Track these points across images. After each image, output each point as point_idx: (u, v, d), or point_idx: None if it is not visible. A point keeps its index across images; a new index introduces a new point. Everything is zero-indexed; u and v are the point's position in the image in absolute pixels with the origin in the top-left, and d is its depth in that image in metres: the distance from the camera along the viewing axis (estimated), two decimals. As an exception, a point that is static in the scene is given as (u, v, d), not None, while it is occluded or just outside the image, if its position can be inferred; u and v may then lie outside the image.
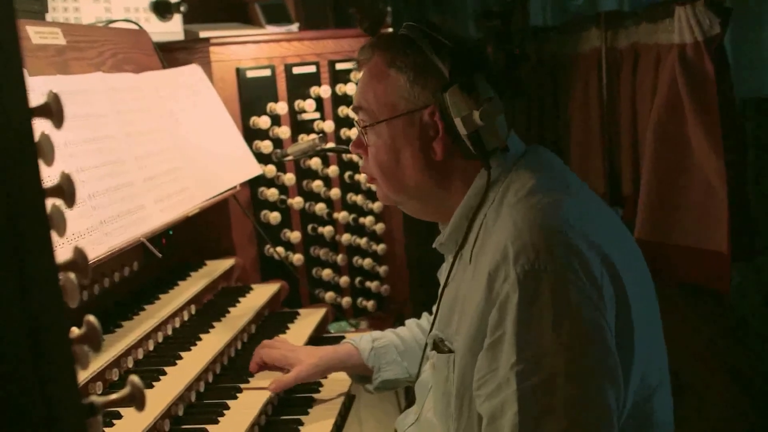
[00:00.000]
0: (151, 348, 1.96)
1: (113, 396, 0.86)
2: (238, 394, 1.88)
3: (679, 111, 2.71)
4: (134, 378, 0.87)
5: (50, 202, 0.77)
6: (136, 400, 0.86)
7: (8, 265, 0.68)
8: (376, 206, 2.98)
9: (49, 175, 0.83)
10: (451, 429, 1.51)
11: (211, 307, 2.31)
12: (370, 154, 1.59)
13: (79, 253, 0.82)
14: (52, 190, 0.79)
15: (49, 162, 0.76)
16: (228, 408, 1.81)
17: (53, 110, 0.77)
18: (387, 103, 1.54)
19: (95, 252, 1.76)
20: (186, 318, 2.18)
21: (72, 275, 0.80)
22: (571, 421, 1.29)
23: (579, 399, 1.29)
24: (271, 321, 2.40)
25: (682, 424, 1.55)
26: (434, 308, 1.63)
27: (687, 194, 2.71)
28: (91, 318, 0.82)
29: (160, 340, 2.01)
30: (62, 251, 0.83)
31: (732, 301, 2.60)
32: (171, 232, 2.47)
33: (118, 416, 1.61)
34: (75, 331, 0.80)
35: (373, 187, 2.90)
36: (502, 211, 1.43)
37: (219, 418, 1.76)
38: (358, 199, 2.93)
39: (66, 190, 0.80)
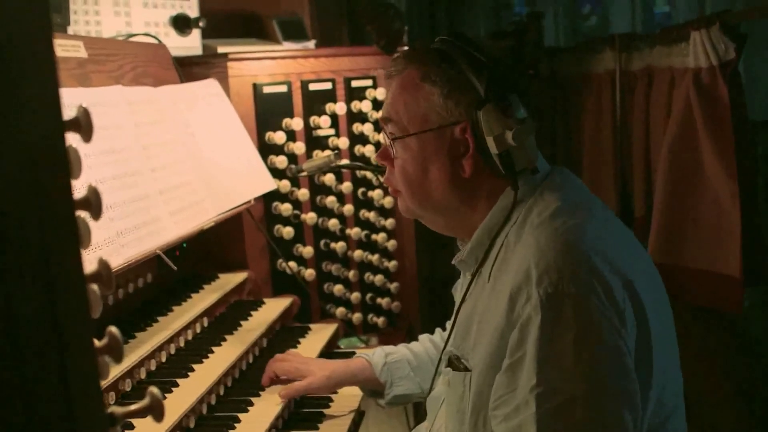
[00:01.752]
0: (163, 359, 1.98)
1: (133, 407, 0.87)
2: (249, 408, 1.89)
3: (693, 134, 2.72)
4: (153, 389, 0.88)
5: (77, 214, 0.78)
6: (155, 411, 0.87)
7: (38, 277, 0.70)
8: (389, 223, 2.99)
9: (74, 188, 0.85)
10: (465, 448, 1.52)
11: (224, 320, 2.33)
12: (396, 166, 1.58)
13: (104, 265, 0.84)
14: (79, 203, 0.80)
15: (77, 175, 0.78)
16: (239, 421, 1.82)
17: (82, 124, 0.78)
18: (418, 116, 1.53)
19: (112, 263, 1.77)
20: (198, 330, 2.20)
21: (96, 286, 0.82)
22: None
23: (598, 423, 1.30)
24: (283, 335, 2.42)
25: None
26: (449, 324, 1.64)
27: (700, 217, 2.71)
28: (114, 329, 0.83)
29: (173, 351, 2.03)
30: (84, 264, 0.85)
31: (743, 324, 2.60)
32: (185, 245, 2.49)
33: (131, 426, 1.62)
34: (96, 342, 0.82)
35: (386, 203, 2.94)
36: (525, 232, 1.44)
37: (230, 431, 1.76)
38: (371, 215, 2.94)
39: (93, 202, 0.81)
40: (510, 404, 1.34)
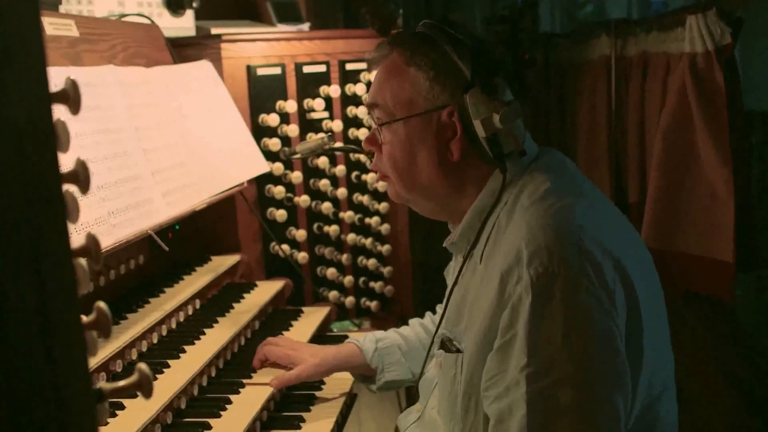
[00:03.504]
0: (155, 341, 1.97)
1: (121, 383, 0.86)
2: (240, 390, 1.89)
3: (688, 120, 2.71)
4: (142, 365, 0.88)
5: (65, 188, 0.77)
6: (143, 388, 0.87)
7: (24, 250, 0.69)
8: (382, 207, 2.98)
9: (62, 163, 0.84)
10: (456, 429, 1.51)
11: (216, 302, 2.32)
12: (384, 151, 1.58)
13: (92, 239, 0.83)
14: (67, 176, 0.79)
15: (65, 148, 0.77)
16: (230, 402, 1.82)
17: (71, 96, 0.78)
18: (404, 101, 1.53)
19: (103, 243, 1.77)
20: (190, 312, 2.19)
21: (84, 261, 0.81)
22: (580, 424, 1.30)
23: (588, 403, 1.30)
24: (275, 318, 2.41)
25: (683, 432, 1.56)
26: (441, 307, 1.63)
27: (693, 203, 2.71)
28: (102, 304, 0.82)
29: (164, 333, 2.02)
30: (73, 239, 0.84)
31: (735, 313, 2.60)
32: (177, 227, 2.48)
33: (121, 407, 1.62)
34: (84, 318, 0.81)
35: (380, 187, 2.93)
36: (516, 214, 1.43)
37: (221, 413, 1.76)
38: (365, 199, 2.94)
39: (81, 176, 0.80)
40: (501, 384, 1.34)
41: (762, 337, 2.58)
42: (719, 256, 2.55)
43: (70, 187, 0.80)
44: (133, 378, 0.88)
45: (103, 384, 0.84)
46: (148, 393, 0.87)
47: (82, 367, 0.77)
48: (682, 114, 2.73)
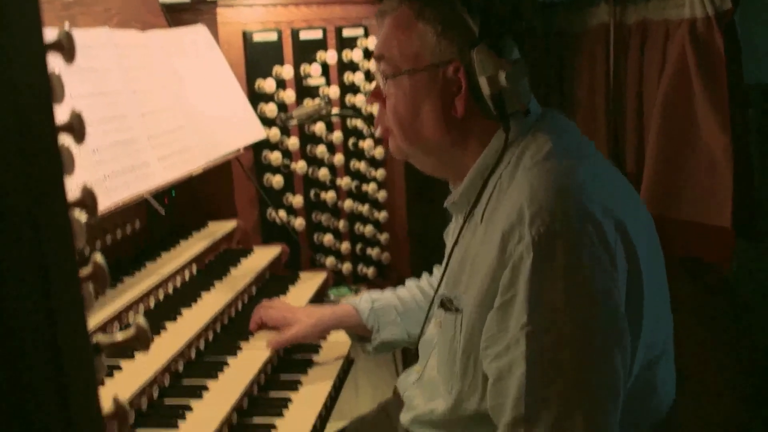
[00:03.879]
0: (152, 305, 1.97)
1: (119, 337, 0.86)
2: (238, 352, 1.89)
3: (687, 86, 2.70)
4: (140, 320, 0.88)
5: (60, 140, 0.77)
6: (141, 342, 0.87)
7: (18, 201, 0.68)
8: (379, 174, 2.97)
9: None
10: (455, 388, 1.52)
11: (213, 267, 2.32)
12: (388, 104, 1.57)
13: (88, 193, 0.82)
14: (62, 127, 0.79)
15: (59, 99, 0.76)
16: (228, 365, 1.82)
17: (65, 46, 0.77)
18: (411, 54, 1.51)
19: (98, 206, 1.76)
20: (187, 277, 2.19)
21: (80, 213, 0.80)
22: (579, 384, 1.30)
23: (587, 362, 1.30)
24: (272, 283, 2.41)
25: (679, 398, 1.57)
26: (436, 268, 1.64)
27: (692, 169, 2.70)
28: (98, 257, 0.82)
29: (161, 297, 2.02)
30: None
31: (732, 279, 2.60)
32: (173, 194, 2.48)
33: (119, 368, 1.63)
34: (82, 271, 0.81)
35: (377, 154, 2.92)
36: (518, 174, 1.43)
37: (219, 374, 1.77)
38: (362, 166, 2.93)
39: (76, 127, 0.80)
40: (501, 343, 1.34)
41: (758, 304, 2.59)
42: (717, 223, 2.55)
43: (65, 139, 0.80)
44: (131, 332, 0.88)
45: (100, 337, 0.84)
46: (145, 347, 0.86)
47: (79, 320, 0.77)
48: (682, 80, 2.72)
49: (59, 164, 0.76)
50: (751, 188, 2.71)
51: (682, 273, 1.56)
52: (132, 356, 1.67)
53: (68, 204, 0.78)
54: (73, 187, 0.78)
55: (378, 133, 1.63)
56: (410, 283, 2.05)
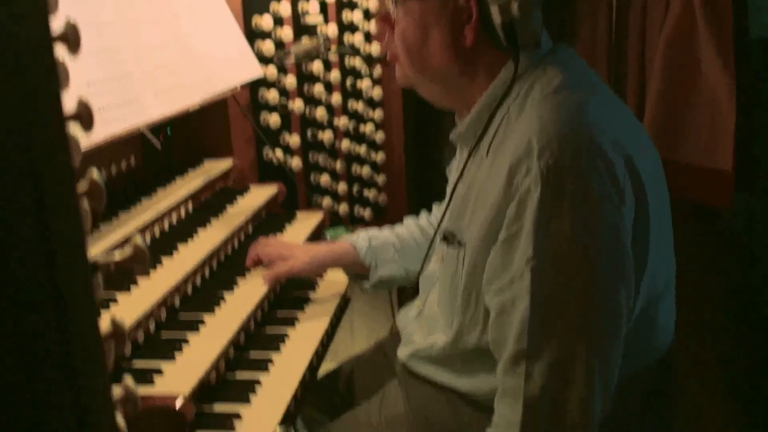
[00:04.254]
0: (147, 240, 1.96)
1: (116, 256, 0.85)
2: (234, 288, 1.88)
3: (692, 28, 2.65)
4: (137, 239, 0.86)
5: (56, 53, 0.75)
6: (139, 262, 0.85)
7: (15, 111, 0.66)
8: (377, 115, 2.94)
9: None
10: (456, 322, 1.52)
11: (209, 204, 2.30)
12: (396, 30, 1.54)
13: (83, 106, 0.80)
14: (57, 37, 0.77)
15: (54, 9, 0.74)
16: (224, 300, 1.81)
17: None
18: None
19: (93, 139, 1.74)
20: (183, 213, 2.17)
21: (75, 126, 0.78)
22: (582, 319, 1.30)
23: (592, 297, 1.30)
24: (269, 222, 2.39)
25: (676, 337, 1.57)
26: (444, 202, 1.62)
27: (694, 113, 2.67)
28: (94, 172, 0.80)
29: (157, 232, 2.01)
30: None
31: (733, 228, 2.60)
32: (169, 132, 2.44)
33: (115, 301, 1.62)
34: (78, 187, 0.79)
35: (375, 96, 2.88)
36: (527, 107, 1.40)
37: (215, 309, 1.76)
38: (359, 106, 2.89)
39: (71, 37, 0.77)
40: (504, 277, 1.34)
41: (756, 247, 2.58)
42: (718, 166, 2.53)
43: (60, 49, 0.78)
44: (129, 252, 0.86)
45: (97, 257, 0.83)
46: (143, 267, 0.85)
47: (76, 236, 0.75)
48: (686, 23, 2.67)
49: (55, 76, 0.74)
50: (751, 138, 2.68)
51: (680, 216, 1.55)
52: (128, 289, 1.66)
53: (64, 117, 0.76)
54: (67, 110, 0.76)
55: (386, 56, 1.60)
56: (409, 221, 2.03)
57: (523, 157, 1.31)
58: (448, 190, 1.65)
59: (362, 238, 1.96)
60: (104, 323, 0.86)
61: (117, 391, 0.88)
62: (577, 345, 1.30)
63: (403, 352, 1.72)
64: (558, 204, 1.28)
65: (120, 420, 0.84)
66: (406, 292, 1.96)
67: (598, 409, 1.33)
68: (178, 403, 1.36)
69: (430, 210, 2.06)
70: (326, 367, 2.07)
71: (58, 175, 0.74)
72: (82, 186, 0.80)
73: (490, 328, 1.40)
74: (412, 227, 2.00)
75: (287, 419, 1.54)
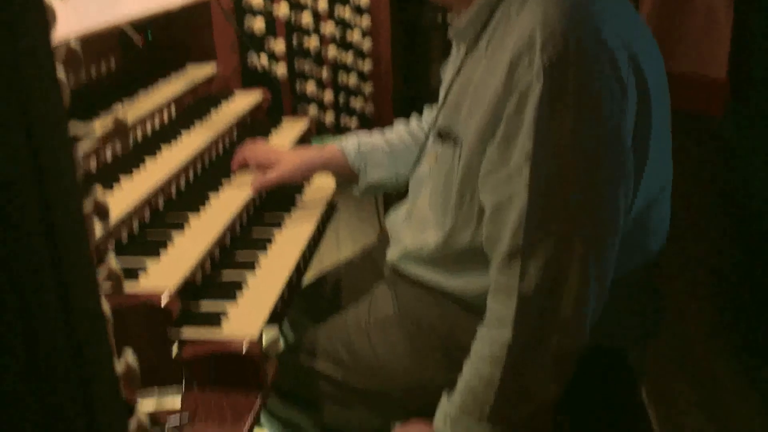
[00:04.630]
0: (129, 143, 1.90)
1: (97, 129, 0.81)
2: (220, 190, 1.84)
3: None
4: (118, 113, 0.82)
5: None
6: (120, 134, 0.81)
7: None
8: (364, 22, 2.86)
9: None
10: (448, 222, 1.49)
11: (193, 109, 2.24)
12: None
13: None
14: None
15: None
16: (209, 202, 1.78)
17: None
18: None
19: (68, 31, 1.67)
20: (166, 117, 2.11)
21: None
22: (580, 216, 1.28)
23: (591, 194, 1.27)
24: (254, 127, 2.34)
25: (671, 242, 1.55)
26: (440, 100, 1.58)
27: (689, 20, 2.62)
28: (71, 43, 0.75)
29: (140, 135, 1.95)
30: None
31: (724, 133, 2.58)
32: (150, 36, 2.37)
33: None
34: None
35: (362, 2, 2.80)
36: (529, 1, 1.34)
37: (200, 210, 1.72)
38: (346, 13, 2.81)
39: None
40: (502, 173, 1.30)
41: (746, 155, 2.57)
42: (712, 74, 2.50)
43: None
44: (109, 125, 0.82)
45: (77, 128, 0.79)
46: (125, 139, 0.81)
47: (55, 109, 0.71)
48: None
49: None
50: (746, 47, 2.64)
51: (674, 124, 1.53)
52: (111, 188, 1.62)
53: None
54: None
55: None
56: (399, 125, 1.99)
57: (525, 50, 1.27)
58: (442, 89, 1.61)
59: (351, 143, 1.92)
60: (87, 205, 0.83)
61: (101, 271, 0.85)
62: (574, 242, 1.28)
63: (392, 254, 1.70)
64: (560, 99, 1.24)
65: (105, 305, 0.81)
66: (391, 200, 1.93)
67: (592, 308, 1.33)
68: (164, 300, 1.34)
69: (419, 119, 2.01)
70: (312, 276, 2.06)
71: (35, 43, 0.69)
72: (60, 53, 0.76)
73: (485, 225, 1.37)
74: (401, 131, 1.95)
75: (274, 319, 1.52)
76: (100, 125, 0.81)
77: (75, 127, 0.80)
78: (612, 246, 1.33)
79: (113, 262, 0.83)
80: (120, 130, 0.80)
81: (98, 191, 0.79)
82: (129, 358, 0.88)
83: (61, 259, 0.69)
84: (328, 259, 2.86)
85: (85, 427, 0.72)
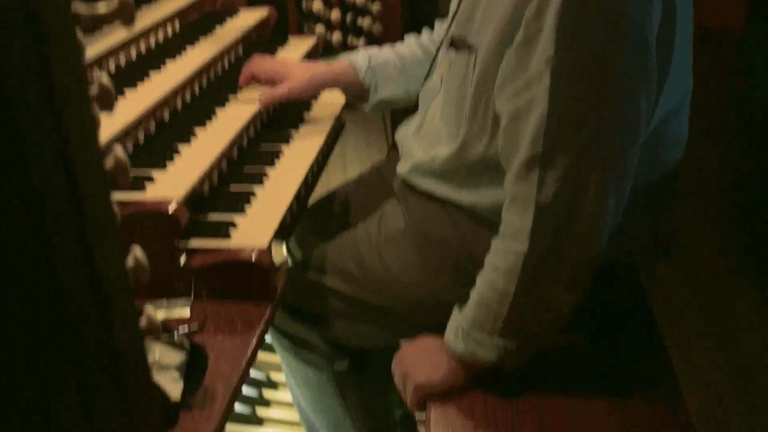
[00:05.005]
0: (133, 55, 1.86)
1: (100, 8, 0.76)
2: (227, 104, 1.80)
3: None
4: (123, -7, 0.78)
5: None
6: (125, 15, 0.77)
7: None
8: (372, -63, 2.78)
9: None
10: (461, 134, 1.45)
11: (197, 24, 2.18)
12: None
13: None
14: None
15: None
16: (216, 115, 1.74)
17: None
18: None
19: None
20: (170, 32, 2.06)
21: None
22: (601, 122, 1.23)
23: (613, 101, 1.23)
24: (260, 44, 2.28)
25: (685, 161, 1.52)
26: (451, 10, 1.52)
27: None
28: None
29: (143, 48, 1.90)
30: None
31: (743, 49, 2.51)
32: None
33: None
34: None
35: None
36: None
37: (207, 122, 1.69)
38: (353, -73, 2.73)
39: None
40: (521, 80, 1.26)
41: (765, 71, 2.51)
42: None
43: None
44: (114, 4, 0.78)
45: (79, 7, 0.74)
46: (129, 20, 0.77)
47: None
48: None
49: None
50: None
51: (693, 39, 1.48)
52: (110, 109, 1.58)
53: None
54: None
55: None
56: (410, 39, 1.93)
57: None
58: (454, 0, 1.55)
59: (361, 57, 1.86)
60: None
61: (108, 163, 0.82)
62: (594, 151, 1.25)
63: (402, 167, 1.67)
64: (583, 2, 1.19)
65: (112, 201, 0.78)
66: (400, 119, 1.87)
67: (610, 218, 1.29)
68: (171, 207, 1.31)
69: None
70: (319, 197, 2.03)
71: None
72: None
73: (501, 135, 1.33)
74: (413, 45, 1.89)
75: (282, 232, 1.50)
76: (104, 5, 0.76)
77: (77, 6, 0.76)
78: (632, 155, 1.29)
79: (119, 151, 0.80)
80: (125, 9, 0.76)
81: (103, 77, 0.75)
82: (137, 253, 0.85)
83: (67, 141, 0.65)
84: (335, 182, 2.83)
85: (97, 321, 0.70)
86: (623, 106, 1.24)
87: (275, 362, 2.48)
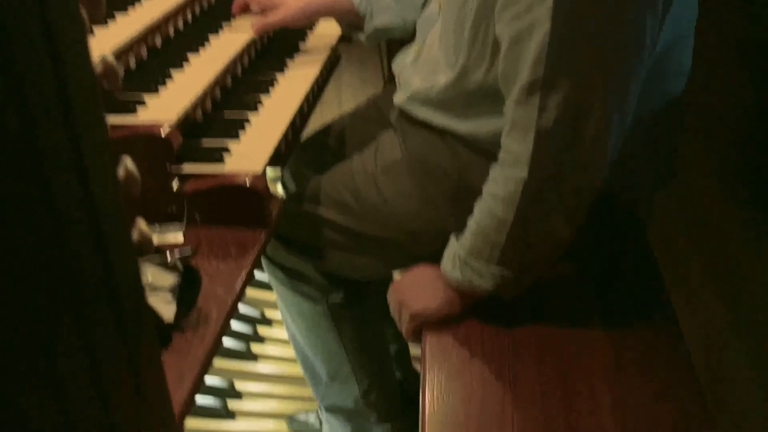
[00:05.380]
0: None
1: None
2: (220, 32, 1.76)
3: None
4: None
5: None
6: None
7: None
8: None
9: None
10: (460, 60, 1.42)
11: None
12: None
13: None
14: None
15: None
16: (209, 42, 1.70)
17: None
18: None
19: None
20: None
21: None
22: (604, 45, 1.19)
23: (617, 23, 1.18)
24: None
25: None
26: None
27: None
28: None
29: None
30: None
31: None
32: None
33: (91, 32, 1.49)
34: None
35: None
36: None
37: (200, 49, 1.65)
38: None
39: None
40: (522, 2, 1.21)
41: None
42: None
43: None
44: None
45: None
46: None
47: None
48: None
49: None
50: None
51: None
52: (105, 23, 1.54)
53: None
54: None
55: None
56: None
57: None
58: None
59: (356, -15, 1.81)
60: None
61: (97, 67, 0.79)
62: (597, 75, 1.21)
63: (400, 97, 1.63)
64: None
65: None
66: (397, 51, 1.83)
67: (612, 144, 1.27)
68: (164, 131, 1.28)
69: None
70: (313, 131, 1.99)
71: None
72: None
73: (501, 60, 1.29)
74: (410, -28, 1.84)
75: (277, 160, 1.47)
76: None
77: None
78: (636, 81, 1.26)
79: (109, 57, 0.77)
80: None
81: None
82: (128, 164, 0.83)
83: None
84: (330, 119, 2.79)
85: (91, 234, 0.67)
86: (629, 30, 1.21)
87: (270, 299, 2.47)
